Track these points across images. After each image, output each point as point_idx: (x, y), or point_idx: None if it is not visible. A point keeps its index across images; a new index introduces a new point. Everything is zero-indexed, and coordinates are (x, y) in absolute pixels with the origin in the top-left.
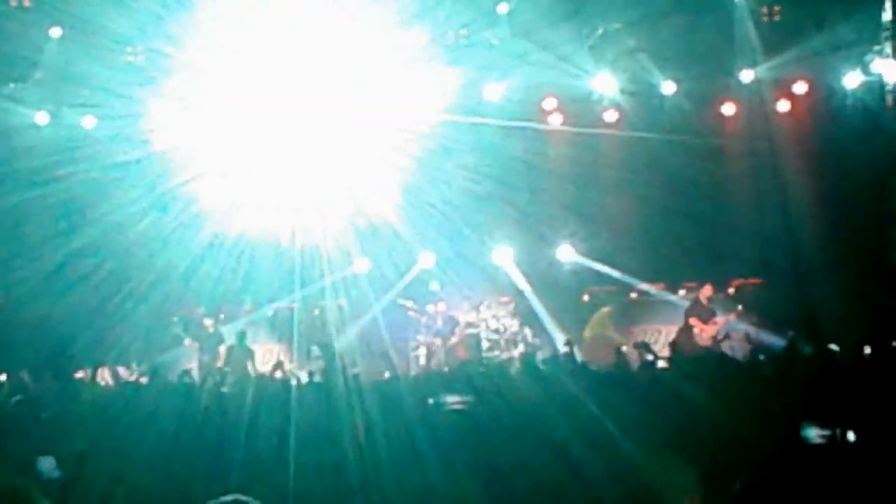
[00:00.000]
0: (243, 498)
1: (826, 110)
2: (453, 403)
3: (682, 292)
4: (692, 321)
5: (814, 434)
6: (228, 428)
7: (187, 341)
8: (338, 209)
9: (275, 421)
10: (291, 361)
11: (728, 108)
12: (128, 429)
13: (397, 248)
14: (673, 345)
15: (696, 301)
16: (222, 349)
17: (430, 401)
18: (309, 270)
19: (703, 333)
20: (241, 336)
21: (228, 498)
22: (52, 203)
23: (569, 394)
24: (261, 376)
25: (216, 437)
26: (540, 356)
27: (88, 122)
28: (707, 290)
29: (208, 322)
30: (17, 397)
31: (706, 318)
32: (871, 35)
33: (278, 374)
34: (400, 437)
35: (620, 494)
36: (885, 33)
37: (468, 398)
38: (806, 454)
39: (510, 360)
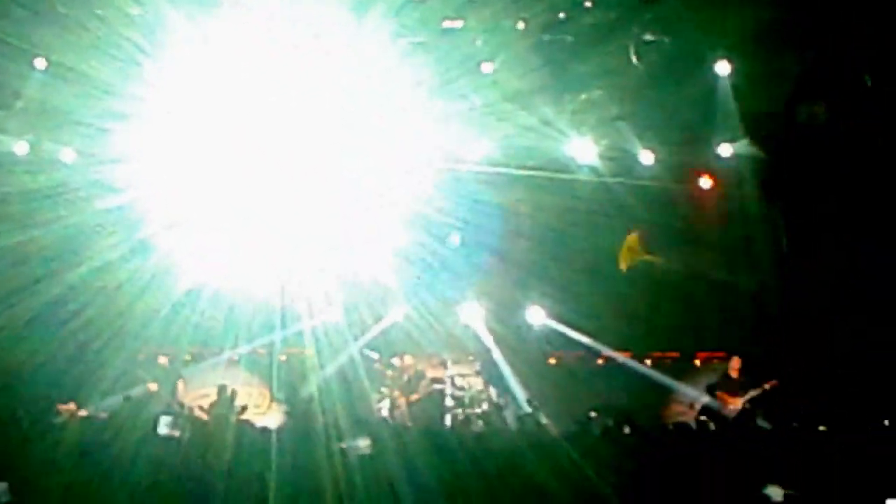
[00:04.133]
0: None
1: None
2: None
3: (647, 361)
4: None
5: None
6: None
7: (151, 384)
8: (314, 255)
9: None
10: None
11: (705, 181)
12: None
13: (369, 297)
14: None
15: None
16: (180, 385)
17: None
18: (281, 317)
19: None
20: (223, 389)
21: None
22: (31, 249)
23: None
24: (241, 422)
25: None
26: (504, 416)
27: (68, 156)
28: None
29: (163, 360)
30: None
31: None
32: None
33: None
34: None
35: None
36: None
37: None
38: None
39: (470, 417)
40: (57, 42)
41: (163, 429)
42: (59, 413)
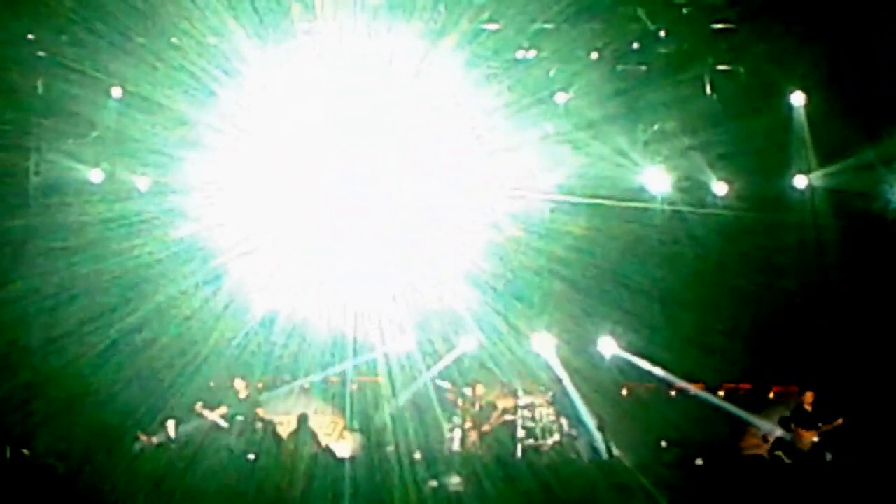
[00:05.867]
0: None
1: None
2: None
3: (720, 392)
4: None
5: None
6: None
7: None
8: (386, 284)
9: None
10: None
11: (780, 213)
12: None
13: (441, 326)
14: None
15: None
16: (259, 412)
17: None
18: (354, 345)
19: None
20: (304, 418)
21: None
22: (107, 278)
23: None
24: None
25: None
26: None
27: (143, 184)
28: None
29: (240, 385)
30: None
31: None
32: None
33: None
34: None
35: None
36: None
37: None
38: None
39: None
40: (133, 72)
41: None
42: (137, 439)
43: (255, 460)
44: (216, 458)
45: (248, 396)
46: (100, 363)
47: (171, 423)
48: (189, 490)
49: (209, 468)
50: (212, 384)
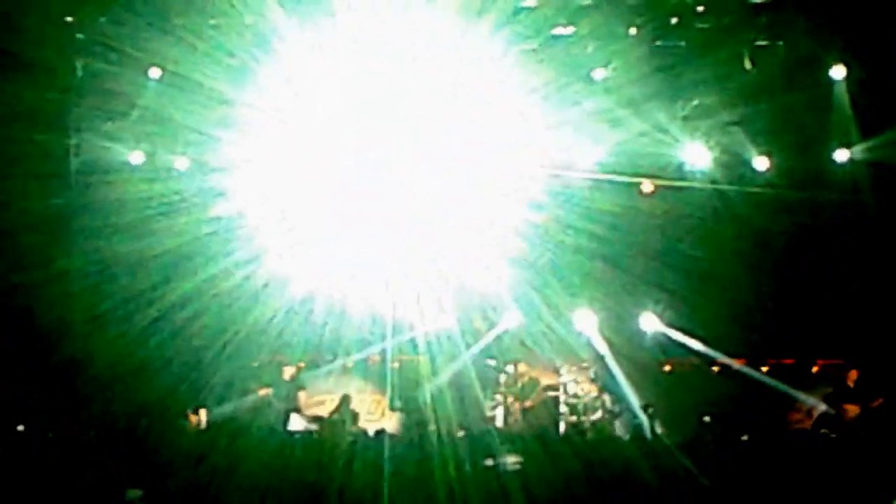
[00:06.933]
0: None
1: None
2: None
3: (763, 368)
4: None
5: None
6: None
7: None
8: (427, 263)
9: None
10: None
11: (821, 189)
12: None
13: (482, 304)
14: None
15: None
16: (302, 395)
17: (490, 461)
18: (394, 324)
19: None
20: (346, 399)
21: None
22: (147, 257)
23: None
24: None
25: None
26: (618, 424)
27: (182, 164)
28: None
29: (288, 370)
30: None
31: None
32: None
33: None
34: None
35: None
36: None
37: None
38: None
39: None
40: (172, 51)
41: (295, 425)
42: (185, 417)
43: (298, 439)
44: (259, 435)
45: (292, 377)
46: (141, 341)
47: (212, 402)
48: (231, 467)
49: (252, 446)
50: (255, 363)
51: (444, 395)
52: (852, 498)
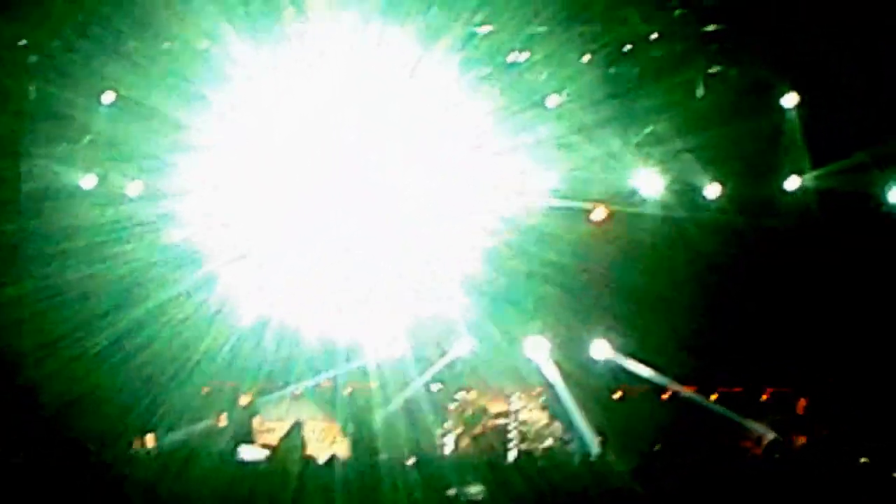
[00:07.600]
0: None
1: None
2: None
3: (713, 396)
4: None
5: None
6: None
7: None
8: (378, 289)
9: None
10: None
11: (773, 216)
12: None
13: (434, 330)
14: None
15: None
16: (254, 422)
17: (453, 491)
18: (346, 351)
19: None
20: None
21: None
22: (98, 283)
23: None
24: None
25: None
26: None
27: (135, 189)
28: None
29: (240, 397)
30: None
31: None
32: None
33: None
34: None
35: None
36: None
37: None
38: None
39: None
40: (125, 76)
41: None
42: (132, 444)
43: (248, 466)
44: (209, 463)
45: (244, 404)
46: (92, 367)
47: (162, 429)
48: (182, 494)
49: (202, 473)
50: (206, 390)
51: (395, 421)
52: None
